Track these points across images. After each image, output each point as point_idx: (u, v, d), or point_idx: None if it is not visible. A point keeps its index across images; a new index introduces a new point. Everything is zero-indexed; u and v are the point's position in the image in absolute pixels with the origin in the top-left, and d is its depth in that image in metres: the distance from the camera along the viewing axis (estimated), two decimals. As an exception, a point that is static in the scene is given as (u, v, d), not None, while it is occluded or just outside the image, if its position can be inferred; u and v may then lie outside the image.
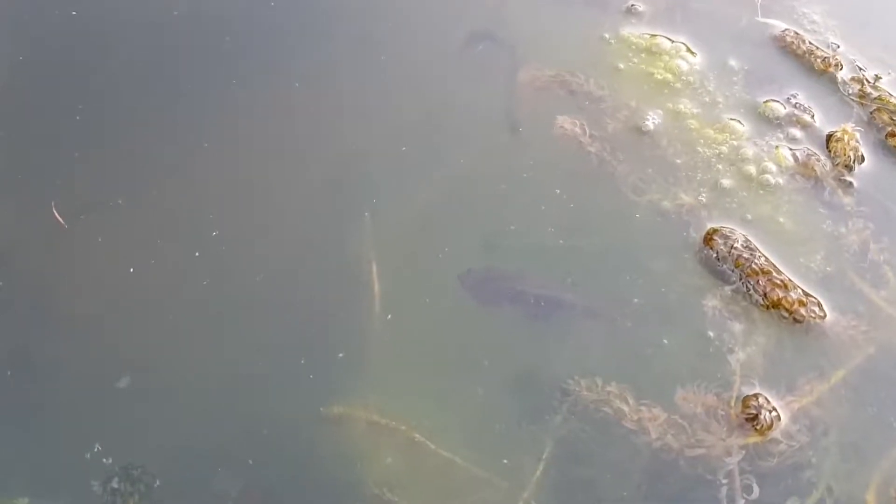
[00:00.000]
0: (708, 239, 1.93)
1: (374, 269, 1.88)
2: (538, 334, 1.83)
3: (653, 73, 2.21)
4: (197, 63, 2.23)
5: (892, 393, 1.75)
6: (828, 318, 1.82)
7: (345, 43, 2.29)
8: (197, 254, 1.89)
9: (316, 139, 2.13)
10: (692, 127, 2.11)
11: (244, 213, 1.99)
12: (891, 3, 2.53)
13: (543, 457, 1.67)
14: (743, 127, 2.12)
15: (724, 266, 1.89)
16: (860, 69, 2.23)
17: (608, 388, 1.73)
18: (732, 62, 2.25)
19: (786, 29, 2.31)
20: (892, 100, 2.15)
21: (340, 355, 1.78)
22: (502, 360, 1.79)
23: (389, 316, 1.83)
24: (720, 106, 2.16)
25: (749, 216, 1.97)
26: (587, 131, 2.10)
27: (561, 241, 1.94)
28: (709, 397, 1.72)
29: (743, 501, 1.62)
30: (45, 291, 1.86)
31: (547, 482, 1.65)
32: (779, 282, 1.85)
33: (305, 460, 1.68)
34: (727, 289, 1.86)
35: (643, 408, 1.71)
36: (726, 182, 2.02)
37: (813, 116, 2.14)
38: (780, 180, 2.03)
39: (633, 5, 2.36)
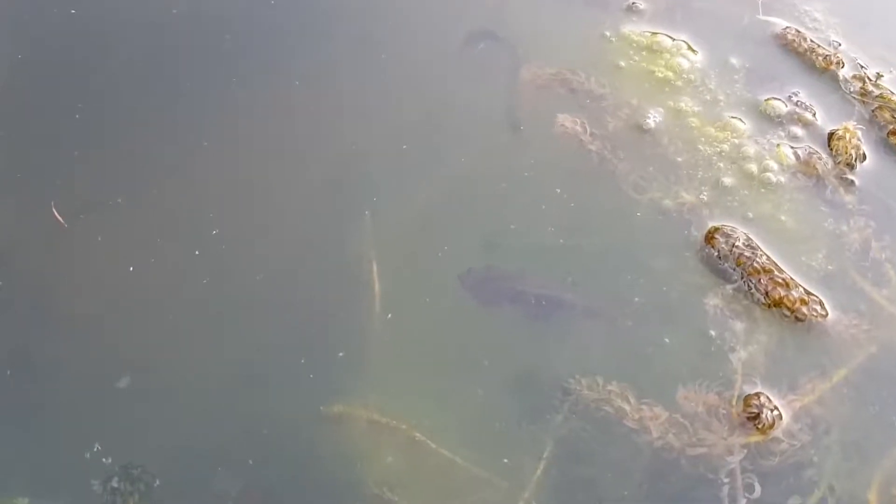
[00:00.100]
0: (709, 237, 1.92)
1: (375, 268, 1.88)
2: (538, 334, 1.83)
3: (654, 72, 2.21)
4: (197, 63, 2.23)
5: (893, 392, 1.74)
6: (829, 316, 1.81)
7: (345, 43, 2.29)
8: (197, 253, 1.89)
9: (316, 139, 2.13)
10: (693, 125, 2.11)
11: (244, 213, 1.98)
12: (892, 1, 2.52)
13: (544, 456, 1.66)
14: (744, 125, 2.11)
15: (726, 265, 1.88)
16: (862, 67, 2.22)
17: (609, 388, 1.72)
18: (734, 60, 2.24)
19: (787, 27, 2.31)
20: (894, 98, 2.14)
21: (340, 355, 1.78)
22: (503, 360, 1.78)
23: (389, 315, 1.82)
24: (721, 104, 2.15)
25: (750, 214, 1.97)
26: (588, 130, 2.10)
27: (561, 241, 1.94)
28: (710, 396, 1.72)
29: (745, 500, 1.61)
30: (45, 291, 1.86)
31: (548, 482, 1.64)
32: (780, 280, 1.84)
33: (305, 460, 1.68)
34: (728, 287, 1.86)
35: (644, 407, 1.71)
36: (727, 180, 2.02)
37: (814, 114, 2.13)
38: (782, 178, 2.02)
39: (633, 3, 2.35)
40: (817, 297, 1.84)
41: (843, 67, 2.21)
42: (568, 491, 1.64)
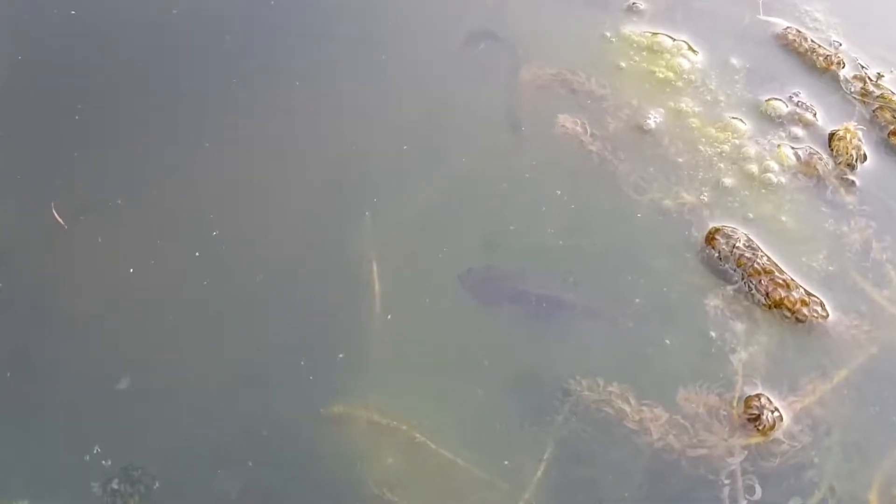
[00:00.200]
0: (710, 238, 1.92)
1: (375, 268, 1.88)
2: (539, 334, 1.83)
3: (654, 72, 2.21)
4: (197, 63, 2.22)
5: (894, 392, 1.74)
6: (830, 317, 1.81)
7: (345, 43, 2.29)
8: (197, 254, 1.89)
9: (316, 139, 2.12)
10: (694, 126, 2.11)
11: (244, 213, 1.98)
12: (892, 1, 2.52)
13: (544, 457, 1.66)
14: (745, 125, 2.11)
15: (726, 265, 1.88)
16: (862, 67, 2.22)
17: (609, 388, 1.72)
18: (734, 60, 2.24)
19: (787, 27, 2.30)
20: (895, 98, 2.14)
21: (340, 355, 1.78)
22: (503, 360, 1.78)
23: (390, 316, 1.82)
24: (722, 104, 2.15)
25: (751, 215, 1.97)
26: (588, 130, 2.09)
27: (562, 241, 1.93)
28: (711, 397, 1.72)
29: (745, 502, 1.61)
30: (45, 291, 1.86)
31: (548, 483, 1.64)
32: (781, 281, 1.84)
33: (305, 460, 1.68)
34: (729, 288, 1.86)
35: (645, 408, 1.70)
36: (728, 181, 2.01)
37: (815, 115, 2.13)
38: (782, 179, 2.02)
39: (634, 3, 2.35)
40: (818, 297, 1.84)
41: (843, 68, 2.21)
42: (568, 492, 1.64)
